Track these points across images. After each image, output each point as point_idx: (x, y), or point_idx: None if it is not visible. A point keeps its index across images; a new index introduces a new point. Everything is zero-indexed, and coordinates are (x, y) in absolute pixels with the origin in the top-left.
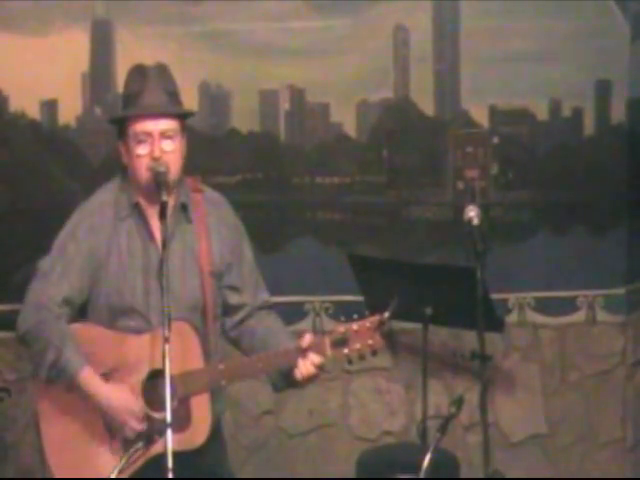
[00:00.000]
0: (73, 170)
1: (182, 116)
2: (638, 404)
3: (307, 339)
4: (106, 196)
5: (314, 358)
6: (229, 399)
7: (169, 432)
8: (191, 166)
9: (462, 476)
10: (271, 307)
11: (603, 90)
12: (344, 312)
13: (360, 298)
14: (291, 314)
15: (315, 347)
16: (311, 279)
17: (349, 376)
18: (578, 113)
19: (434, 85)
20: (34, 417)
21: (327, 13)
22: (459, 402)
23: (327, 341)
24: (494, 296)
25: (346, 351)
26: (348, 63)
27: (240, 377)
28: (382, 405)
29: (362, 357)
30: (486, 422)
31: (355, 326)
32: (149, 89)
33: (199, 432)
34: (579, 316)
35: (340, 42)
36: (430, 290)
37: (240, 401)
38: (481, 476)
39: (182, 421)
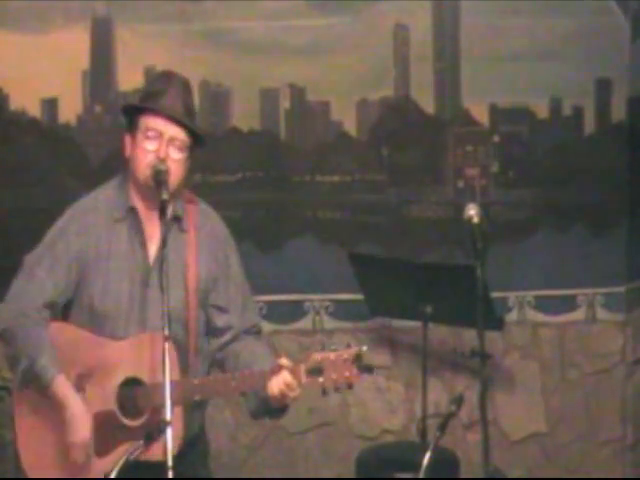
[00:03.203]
0: (73, 168)
1: (193, 136)
2: (638, 402)
3: (283, 360)
4: (102, 196)
5: (286, 377)
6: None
7: (169, 431)
8: (192, 165)
9: (462, 475)
10: (259, 332)
11: (603, 89)
12: (344, 310)
13: (360, 297)
14: (291, 313)
15: (290, 371)
16: (311, 277)
17: None
18: (578, 112)
19: (434, 84)
20: (11, 418)
21: (327, 12)
22: (459, 400)
23: (302, 368)
24: (494, 294)
25: (321, 380)
26: (348, 62)
27: (214, 394)
28: (382, 403)
29: (337, 389)
30: (486, 420)
31: (332, 356)
32: (172, 93)
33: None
34: (579, 314)
35: (340, 41)
36: (430, 288)
37: (240, 400)
38: (481, 475)
39: (154, 431)
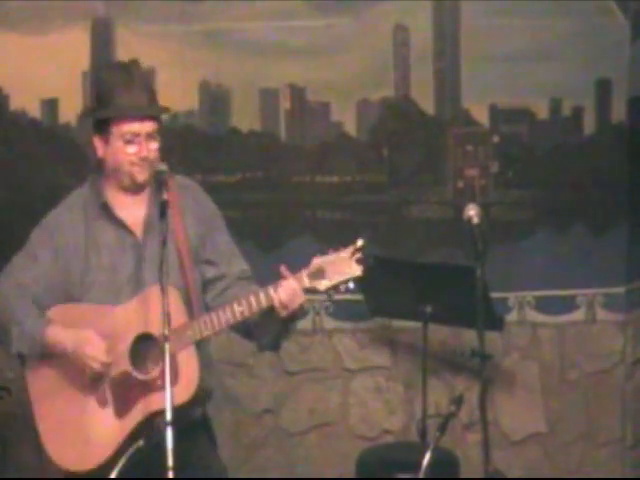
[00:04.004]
0: (73, 168)
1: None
2: (638, 403)
3: (283, 269)
4: (75, 199)
5: (290, 283)
6: (229, 398)
7: (169, 430)
8: (192, 165)
9: (462, 475)
10: (250, 278)
11: (603, 89)
12: (344, 310)
13: (360, 297)
14: None
15: (293, 278)
16: None
17: (349, 374)
18: (578, 112)
19: (434, 84)
20: (27, 398)
21: (328, 12)
22: (459, 401)
23: (304, 273)
24: (494, 295)
25: (325, 282)
26: (349, 62)
27: (223, 325)
28: (382, 404)
29: (338, 287)
30: (486, 421)
31: (332, 257)
32: (136, 88)
33: (187, 387)
34: (579, 315)
35: (340, 41)
36: (430, 289)
37: (240, 400)
38: (481, 475)
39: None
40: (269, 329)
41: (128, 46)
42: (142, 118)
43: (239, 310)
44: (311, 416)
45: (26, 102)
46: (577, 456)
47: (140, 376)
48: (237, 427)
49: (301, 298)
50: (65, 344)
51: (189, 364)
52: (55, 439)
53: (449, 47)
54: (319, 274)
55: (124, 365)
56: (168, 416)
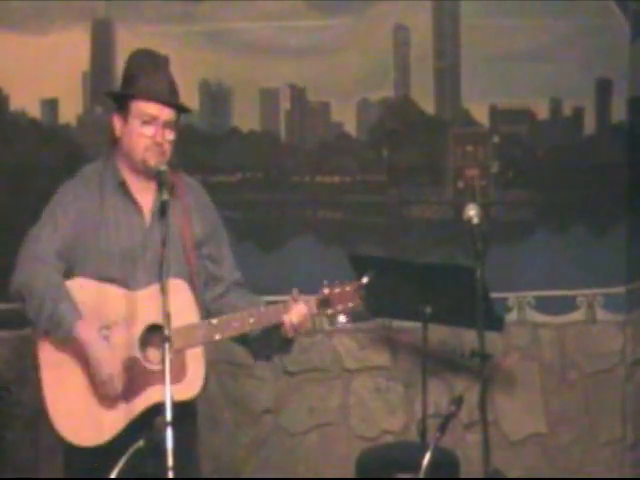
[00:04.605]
0: (73, 169)
1: (179, 110)
2: (638, 403)
3: (296, 292)
4: (90, 172)
5: (303, 308)
6: (229, 398)
7: (169, 431)
8: (192, 164)
9: (462, 475)
10: (244, 285)
11: (603, 89)
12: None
13: None
14: None
15: (304, 303)
16: (311, 278)
17: (349, 375)
18: (578, 112)
19: (434, 84)
20: (35, 369)
21: (328, 12)
22: (459, 401)
23: (314, 301)
24: (494, 295)
25: (330, 311)
26: (349, 62)
27: (233, 332)
28: (382, 404)
29: (341, 316)
30: (486, 421)
31: (338, 289)
32: (160, 75)
33: (193, 384)
34: (579, 315)
35: (341, 41)
36: (430, 289)
37: (240, 400)
38: (481, 475)
39: (177, 373)
40: (269, 344)
41: (128, 46)
42: (162, 103)
43: (250, 322)
44: (311, 416)
45: (26, 102)
46: (577, 456)
47: (148, 365)
48: (237, 427)
49: (309, 323)
50: (88, 349)
51: (197, 362)
52: (59, 408)
53: (449, 47)
54: (326, 303)
55: (133, 351)
56: (168, 416)
